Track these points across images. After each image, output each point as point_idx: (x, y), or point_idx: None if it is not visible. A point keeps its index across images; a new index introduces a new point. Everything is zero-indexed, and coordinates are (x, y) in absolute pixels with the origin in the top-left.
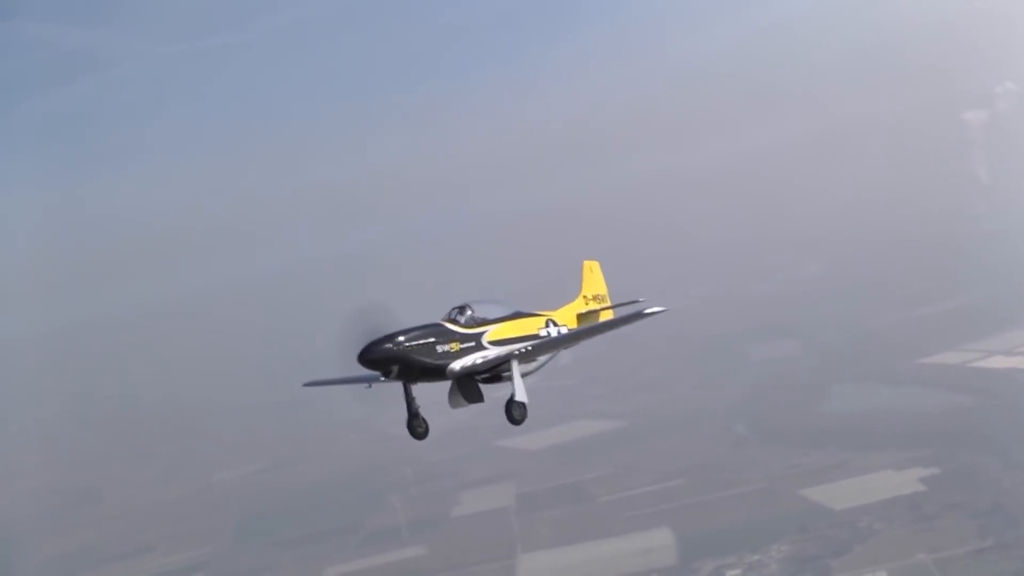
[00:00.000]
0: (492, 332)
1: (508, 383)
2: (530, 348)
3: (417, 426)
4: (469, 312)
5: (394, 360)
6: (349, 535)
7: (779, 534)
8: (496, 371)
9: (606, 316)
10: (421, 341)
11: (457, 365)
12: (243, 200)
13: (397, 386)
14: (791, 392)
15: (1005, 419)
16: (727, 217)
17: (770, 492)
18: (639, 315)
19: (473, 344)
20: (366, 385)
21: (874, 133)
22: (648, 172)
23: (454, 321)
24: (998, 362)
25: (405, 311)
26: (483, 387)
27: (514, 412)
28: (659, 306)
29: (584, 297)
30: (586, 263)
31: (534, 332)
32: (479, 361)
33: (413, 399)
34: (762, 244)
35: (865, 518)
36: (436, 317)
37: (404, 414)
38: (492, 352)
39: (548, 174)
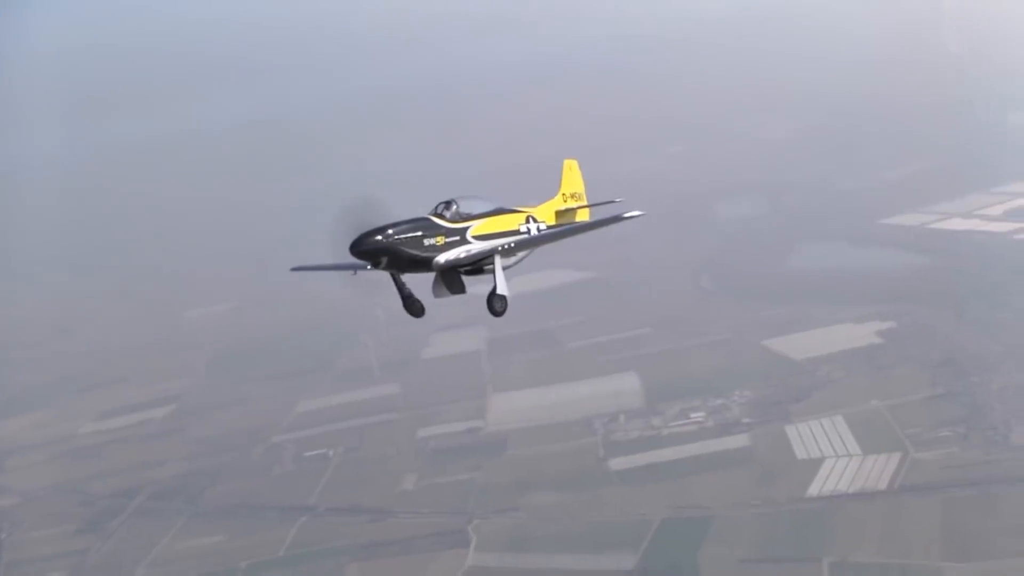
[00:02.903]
0: (476, 227)
1: (489, 275)
2: (512, 245)
3: (412, 305)
4: (455, 207)
5: (383, 252)
6: (322, 372)
7: (742, 381)
8: (478, 264)
9: (583, 214)
10: (409, 234)
11: (442, 258)
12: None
13: (383, 274)
14: (757, 249)
15: (960, 278)
16: (699, 79)
17: (734, 342)
18: (617, 218)
19: (458, 238)
20: (352, 272)
21: (846, 1)
22: (623, 34)
23: (440, 216)
24: (956, 224)
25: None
26: (465, 279)
27: (495, 304)
28: (636, 211)
29: (563, 195)
30: (566, 162)
31: (515, 228)
32: (463, 255)
33: (403, 284)
34: (733, 106)
35: (824, 367)
36: (421, 209)
37: (395, 299)
38: (476, 247)
39: (517, 29)
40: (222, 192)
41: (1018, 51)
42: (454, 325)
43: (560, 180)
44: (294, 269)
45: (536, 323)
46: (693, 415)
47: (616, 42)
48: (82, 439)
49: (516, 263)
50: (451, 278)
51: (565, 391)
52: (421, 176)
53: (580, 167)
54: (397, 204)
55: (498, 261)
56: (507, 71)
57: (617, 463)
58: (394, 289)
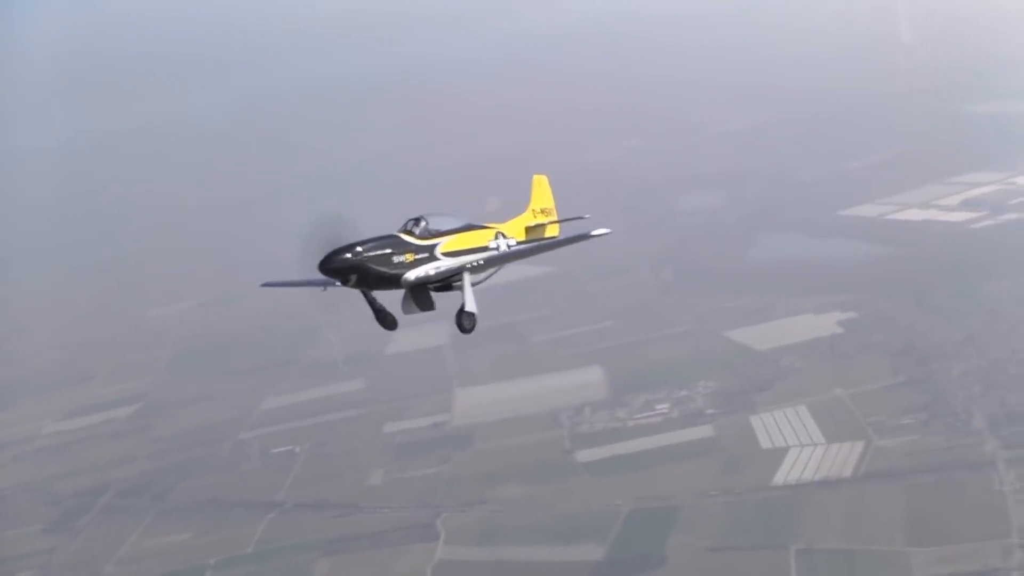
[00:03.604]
0: (445, 244)
1: (457, 291)
2: (481, 262)
3: (384, 319)
4: (424, 223)
5: (352, 269)
6: (286, 368)
7: (705, 372)
8: (447, 281)
9: (553, 229)
10: (378, 251)
11: (411, 275)
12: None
13: (353, 291)
14: (717, 241)
15: (919, 268)
16: (655, 73)
17: (697, 333)
18: (584, 236)
19: (427, 255)
20: (322, 288)
21: None
22: (577, 28)
23: (410, 232)
24: (913, 214)
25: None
26: (434, 295)
27: (464, 321)
28: (603, 228)
29: (532, 210)
30: (535, 177)
31: (484, 244)
32: (432, 272)
33: (374, 299)
34: (690, 100)
35: (787, 357)
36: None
37: (366, 313)
38: (445, 263)
39: (471, 24)
40: (179, 188)
41: (971, 43)
42: (417, 321)
43: (530, 195)
44: (264, 285)
45: (499, 317)
46: (658, 407)
47: (571, 36)
48: (46, 439)
49: (485, 279)
50: (420, 295)
51: (530, 384)
52: (382, 170)
53: (549, 182)
54: (361, 201)
55: (467, 278)
56: (462, 66)
57: (583, 455)
58: (365, 304)
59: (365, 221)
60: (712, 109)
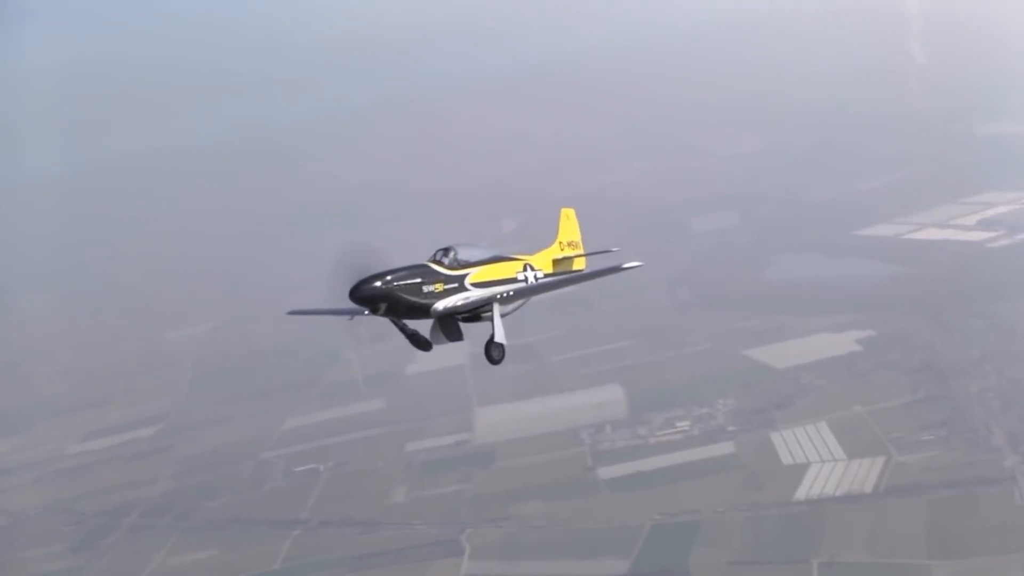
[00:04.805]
0: (474, 274)
1: (485, 322)
2: (511, 293)
3: (419, 341)
4: (453, 254)
5: (382, 298)
6: (307, 389)
7: (725, 390)
8: (476, 312)
9: (580, 262)
10: (408, 281)
11: (440, 305)
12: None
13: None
14: (732, 261)
15: (936, 286)
16: (662, 95)
17: (715, 352)
18: (616, 268)
19: (456, 285)
20: (349, 317)
21: (812, 13)
22: (588, 48)
23: (439, 262)
24: (930, 234)
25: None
26: (462, 325)
27: (493, 352)
28: (635, 261)
29: (560, 243)
30: (563, 210)
31: (513, 275)
32: (461, 302)
33: (405, 324)
34: (698, 121)
35: (806, 375)
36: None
37: (390, 335)
38: (474, 294)
39: (480, 43)
40: (192, 211)
41: (983, 63)
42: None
43: (557, 228)
44: (291, 313)
45: (517, 337)
46: (678, 424)
47: (579, 59)
48: (69, 460)
49: (514, 311)
50: (449, 325)
51: (550, 403)
52: (395, 192)
53: (577, 215)
54: (376, 223)
55: (496, 309)
56: (471, 88)
57: (605, 472)
58: (395, 330)
59: (381, 243)
60: (720, 131)
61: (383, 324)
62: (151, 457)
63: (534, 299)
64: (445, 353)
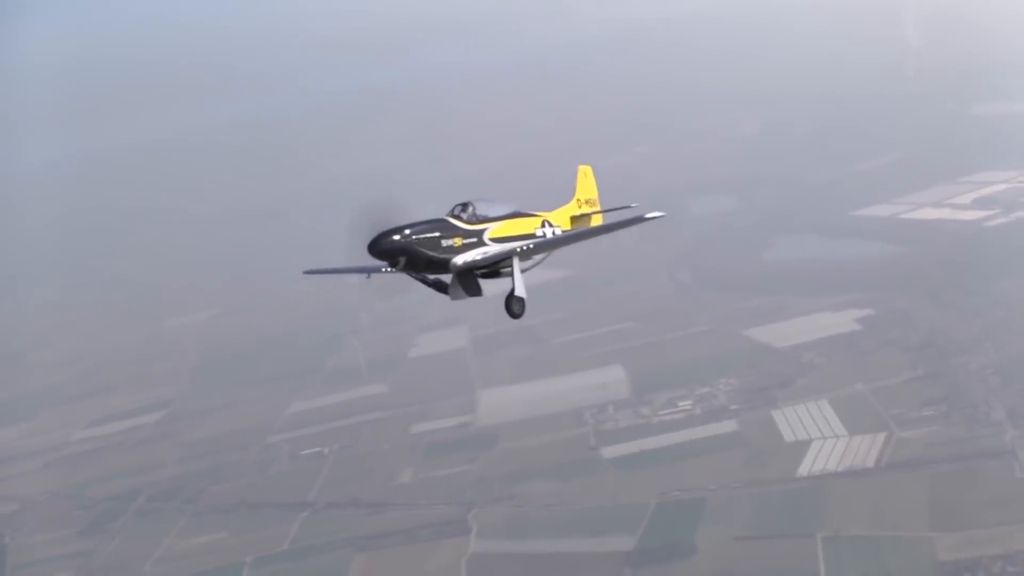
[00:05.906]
0: (493, 229)
1: (503, 278)
2: (531, 247)
3: (442, 286)
4: (471, 209)
5: (401, 251)
6: (310, 374)
7: (726, 369)
8: (495, 267)
9: (597, 219)
10: (427, 235)
11: (460, 259)
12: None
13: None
14: (732, 243)
15: (934, 265)
16: (660, 79)
17: (716, 333)
18: (639, 219)
19: (475, 240)
20: (366, 276)
21: None
22: (584, 35)
23: (457, 217)
24: (927, 213)
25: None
26: (481, 281)
27: (514, 306)
28: (657, 211)
29: (577, 200)
30: (580, 167)
31: (531, 231)
32: (480, 257)
33: (425, 275)
34: (697, 105)
35: (807, 354)
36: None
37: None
38: (493, 249)
39: (479, 34)
40: (193, 200)
41: (978, 45)
42: (438, 325)
43: (575, 185)
44: (307, 272)
45: (518, 320)
46: (681, 403)
47: (577, 45)
48: (75, 446)
49: (533, 266)
50: (468, 280)
51: (553, 385)
52: (394, 181)
53: (594, 173)
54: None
55: (516, 263)
56: (468, 76)
57: (609, 451)
58: (418, 286)
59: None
60: (718, 115)
61: (402, 280)
62: (157, 443)
63: (532, 281)
64: (446, 337)
